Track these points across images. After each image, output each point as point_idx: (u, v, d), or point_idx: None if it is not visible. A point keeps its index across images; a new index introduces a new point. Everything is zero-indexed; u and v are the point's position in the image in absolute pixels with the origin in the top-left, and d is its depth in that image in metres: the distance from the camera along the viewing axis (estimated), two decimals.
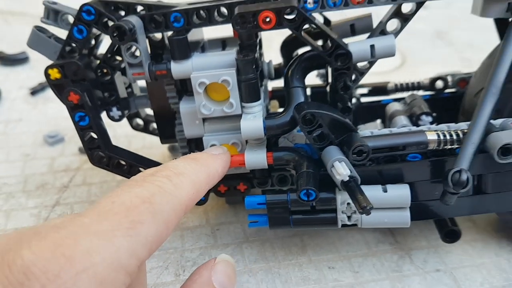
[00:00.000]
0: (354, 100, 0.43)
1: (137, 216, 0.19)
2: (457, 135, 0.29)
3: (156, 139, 0.52)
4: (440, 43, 0.81)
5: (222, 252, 0.37)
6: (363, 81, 0.43)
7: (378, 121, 0.42)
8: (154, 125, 0.45)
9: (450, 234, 0.35)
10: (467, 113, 0.37)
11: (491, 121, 0.31)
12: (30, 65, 0.78)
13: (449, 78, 0.42)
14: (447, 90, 0.42)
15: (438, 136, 0.29)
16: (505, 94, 0.32)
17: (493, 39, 0.37)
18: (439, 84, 0.42)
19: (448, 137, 0.29)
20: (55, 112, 0.62)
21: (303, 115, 0.29)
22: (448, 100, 0.42)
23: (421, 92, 0.43)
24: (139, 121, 0.46)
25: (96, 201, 0.20)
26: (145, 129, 0.46)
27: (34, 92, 0.67)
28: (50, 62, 0.35)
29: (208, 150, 0.29)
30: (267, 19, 0.29)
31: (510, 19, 0.32)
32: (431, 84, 0.42)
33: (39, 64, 0.74)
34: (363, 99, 0.45)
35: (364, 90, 0.46)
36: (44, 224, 0.19)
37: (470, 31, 0.82)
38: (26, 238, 0.17)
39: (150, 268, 0.36)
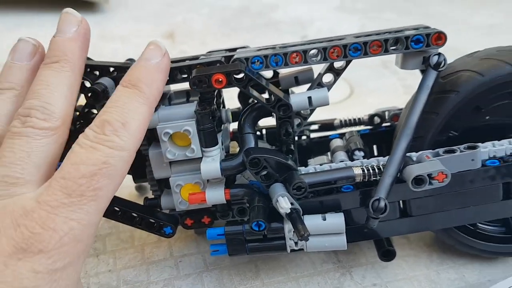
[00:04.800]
0: (304, 137, 0.49)
1: (96, 184, 0.24)
2: (379, 168, 0.35)
3: (124, 180, 0.57)
4: (386, 72, 0.89)
5: (184, 283, 0.41)
6: (317, 115, 0.50)
7: (326, 155, 0.48)
8: None
9: (386, 254, 0.40)
10: None
11: (410, 154, 0.37)
12: None
13: (386, 113, 0.49)
14: (384, 124, 0.49)
15: (363, 170, 0.35)
16: (426, 123, 0.38)
17: None
18: (376, 119, 0.49)
19: (371, 170, 0.35)
20: None
21: (250, 159, 0.34)
22: (385, 133, 0.48)
23: (362, 127, 0.50)
24: None
25: (59, 174, 0.24)
26: None
27: None
28: None
29: (148, 53, 0.31)
30: (219, 80, 0.35)
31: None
32: (370, 120, 0.49)
33: None
34: (315, 134, 0.51)
35: (315, 127, 0.52)
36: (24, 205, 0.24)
37: None
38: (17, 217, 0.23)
39: None
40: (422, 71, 0.42)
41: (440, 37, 0.37)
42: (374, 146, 0.49)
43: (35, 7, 1.37)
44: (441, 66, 0.37)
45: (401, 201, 0.38)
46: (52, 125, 0.26)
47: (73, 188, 0.24)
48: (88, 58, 0.41)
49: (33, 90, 0.27)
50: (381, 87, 0.83)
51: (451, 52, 0.42)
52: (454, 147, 0.36)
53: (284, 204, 0.34)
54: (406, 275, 0.42)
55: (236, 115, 0.47)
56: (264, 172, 0.35)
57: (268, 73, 0.44)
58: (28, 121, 0.26)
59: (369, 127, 0.49)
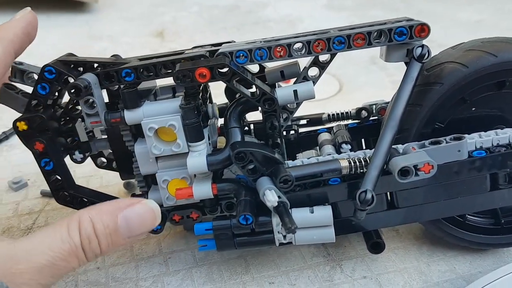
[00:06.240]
0: (292, 132, 0.48)
1: None
2: (365, 161, 0.35)
3: (112, 178, 0.56)
4: (374, 68, 0.89)
5: (173, 279, 0.41)
6: (306, 110, 0.50)
7: (314, 149, 0.48)
8: None
9: (375, 246, 0.40)
10: None
11: (397, 146, 0.37)
12: None
13: (374, 107, 0.49)
14: (371, 118, 0.49)
15: (350, 163, 0.35)
16: (411, 115, 0.38)
17: None
18: (364, 113, 0.49)
19: (358, 163, 0.35)
20: (18, 159, 0.64)
21: (235, 153, 0.34)
22: (372, 126, 0.48)
23: (350, 121, 0.50)
24: (103, 160, 0.50)
25: None
26: (108, 166, 0.50)
27: None
28: (11, 112, 0.39)
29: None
30: (203, 74, 0.35)
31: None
32: (357, 114, 0.49)
33: (2, 114, 0.74)
34: (304, 129, 0.51)
35: (304, 121, 0.52)
36: None
37: None
38: None
39: None
40: (407, 64, 0.42)
41: (423, 29, 0.37)
42: (362, 140, 0.49)
43: (22, 7, 1.35)
44: (425, 57, 0.37)
45: (388, 193, 0.38)
46: None
47: None
48: (72, 55, 0.41)
49: None
50: (370, 83, 0.83)
51: (438, 48, 0.42)
52: (440, 138, 0.36)
53: (271, 197, 0.33)
54: (396, 268, 0.42)
55: (223, 111, 0.47)
56: (251, 166, 0.35)
57: (255, 68, 0.44)
58: None
59: (356, 121, 0.49)
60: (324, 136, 0.45)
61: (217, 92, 0.46)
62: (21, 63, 0.39)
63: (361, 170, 0.36)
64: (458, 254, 0.43)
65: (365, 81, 0.84)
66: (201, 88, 0.40)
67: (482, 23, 1.19)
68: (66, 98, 0.41)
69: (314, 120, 0.52)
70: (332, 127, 0.48)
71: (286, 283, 0.41)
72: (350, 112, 0.50)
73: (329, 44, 0.36)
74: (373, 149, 0.38)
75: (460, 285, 0.40)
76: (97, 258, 0.31)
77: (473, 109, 0.40)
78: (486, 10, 1.31)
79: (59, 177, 0.39)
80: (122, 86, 0.39)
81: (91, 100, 0.37)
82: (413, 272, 0.41)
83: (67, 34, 1.19)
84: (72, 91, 0.35)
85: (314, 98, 0.38)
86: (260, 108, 0.39)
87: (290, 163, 0.37)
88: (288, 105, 0.41)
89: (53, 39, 1.12)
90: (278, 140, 0.37)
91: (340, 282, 0.40)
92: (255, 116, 0.45)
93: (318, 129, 0.50)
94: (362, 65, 0.90)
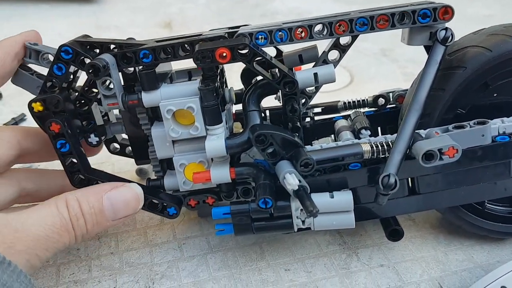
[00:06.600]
0: (308, 119, 0.48)
1: None
2: (388, 145, 0.35)
3: (124, 165, 0.56)
4: (385, 60, 0.88)
5: (188, 264, 0.41)
6: (317, 101, 0.49)
7: (330, 137, 0.47)
8: (130, 148, 0.49)
9: (394, 233, 0.40)
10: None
11: (419, 131, 0.37)
12: (2, 101, 0.77)
13: (391, 95, 0.48)
14: (388, 106, 0.48)
15: (372, 147, 0.35)
16: (433, 100, 0.38)
17: None
18: (381, 101, 0.48)
19: (380, 147, 0.35)
20: None
21: (256, 136, 0.34)
22: (389, 114, 0.47)
23: (366, 109, 0.49)
24: (116, 145, 0.50)
25: None
26: (121, 152, 0.49)
27: None
28: (19, 98, 0.39)
29: None
30: (224, 55, 0.34)
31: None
32: (374, 101, 0.48)
33: (11, 100, 0.75)
34: (319, 117, 0.50)
35: (318, 109, 0.51)
36: None
37: (413, 47, 0.90)
38: None
39: (122, 283, 0.39)
40: (427, 50, 0.41)
41: (447, 11, 0.36)
42: (379, 128, 0.48)
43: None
44: (449, 40, 0.37)
45: (409, 179, 0.38)
46: None
47: None
48: (87, 36, 0.40)
49: None
50: (381, 74, 0.82)
51: None
52: (463, 123, 0.36)
53: (291, 180, 0.33)
54: (413, 256, 0.41)
55: (239, 97, 0.46)
56: (270, 149, 0.35)
57: (272, 53, 0.43)
58: None
59: (373, 108, 0.49)
60: (342, 123, 0.44)
61: (229, 81, 0.46)
62: (36, 44, 0.39)
63: (383, 155, 0.35)
64: (476, 244, 0.42)
65: (376, 72, 0.83)
66: (218, 72, 0.39)
67: (491, 18, 1.19)
68: (80, 82, 0.41)
69: (329, 108, 0.51)
70: (349, 114, 0.47)
71: (302, 270, 0.40)
72: (367, 99, 0.49)
73: (352, 25, 0.36)
74: (394, 134, 0.37)
75: (478, 274, 0.39)
76: (84, 239, 0.33)
77: (495, 95, 0.39)
78: (494, 5, 1.30)
79: (74, 160, 0.38)
80: (139, 68, 0.38)
81: (108, 81, 0.37)
82: (430, 261, 0.41)
83: (74, 24, 1.18)
84: (90, 71, 0.34)
85: (335, 81, 0.37)
86: (278, 93, 0.39)
87: (309, 147, 0.37)
88: (307, 89, 0.41)
89: (60, 29, 1.11)
90: (298, 124, 0.37)
91: (357, 270, 0.40)
92: (270, 103, 0.44)
93: (334, 117, 0.49)
94: (373, 57, 0.89)
